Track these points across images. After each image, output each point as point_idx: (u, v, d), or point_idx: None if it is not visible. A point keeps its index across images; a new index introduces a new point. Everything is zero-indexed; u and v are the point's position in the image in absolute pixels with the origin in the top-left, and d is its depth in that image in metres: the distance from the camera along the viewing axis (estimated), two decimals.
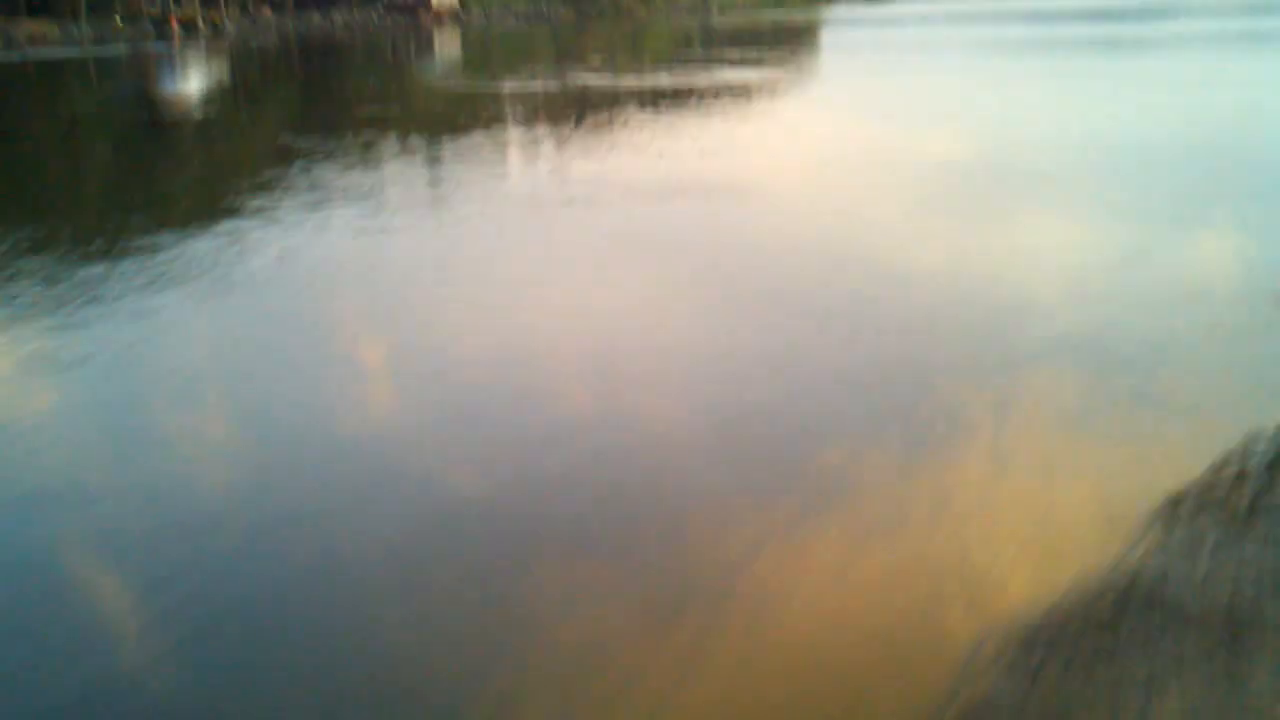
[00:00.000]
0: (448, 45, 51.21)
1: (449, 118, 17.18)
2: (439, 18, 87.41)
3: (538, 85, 22.21)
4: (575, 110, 17.39)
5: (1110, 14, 69.72)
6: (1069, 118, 14.99)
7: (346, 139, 13.97)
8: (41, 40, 59.78)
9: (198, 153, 14.85)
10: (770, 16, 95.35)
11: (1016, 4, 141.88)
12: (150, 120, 19.25)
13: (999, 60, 30.24)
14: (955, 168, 10.71)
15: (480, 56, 40.73)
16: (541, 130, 14.46)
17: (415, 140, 13.67)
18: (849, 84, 22.98)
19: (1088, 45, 35.60)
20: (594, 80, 23.51)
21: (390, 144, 13.37)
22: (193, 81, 29.42)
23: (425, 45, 51.06)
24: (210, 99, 23.07)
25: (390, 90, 22.96)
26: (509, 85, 22.69)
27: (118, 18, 67.33)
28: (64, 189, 11.51)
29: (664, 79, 23.08)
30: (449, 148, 12.97)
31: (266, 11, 76.79)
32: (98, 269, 7.22)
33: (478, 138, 13.98)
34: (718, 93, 19.43)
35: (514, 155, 12.15)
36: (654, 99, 18.87)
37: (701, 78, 23.29)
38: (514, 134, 14.11)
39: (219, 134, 16.71)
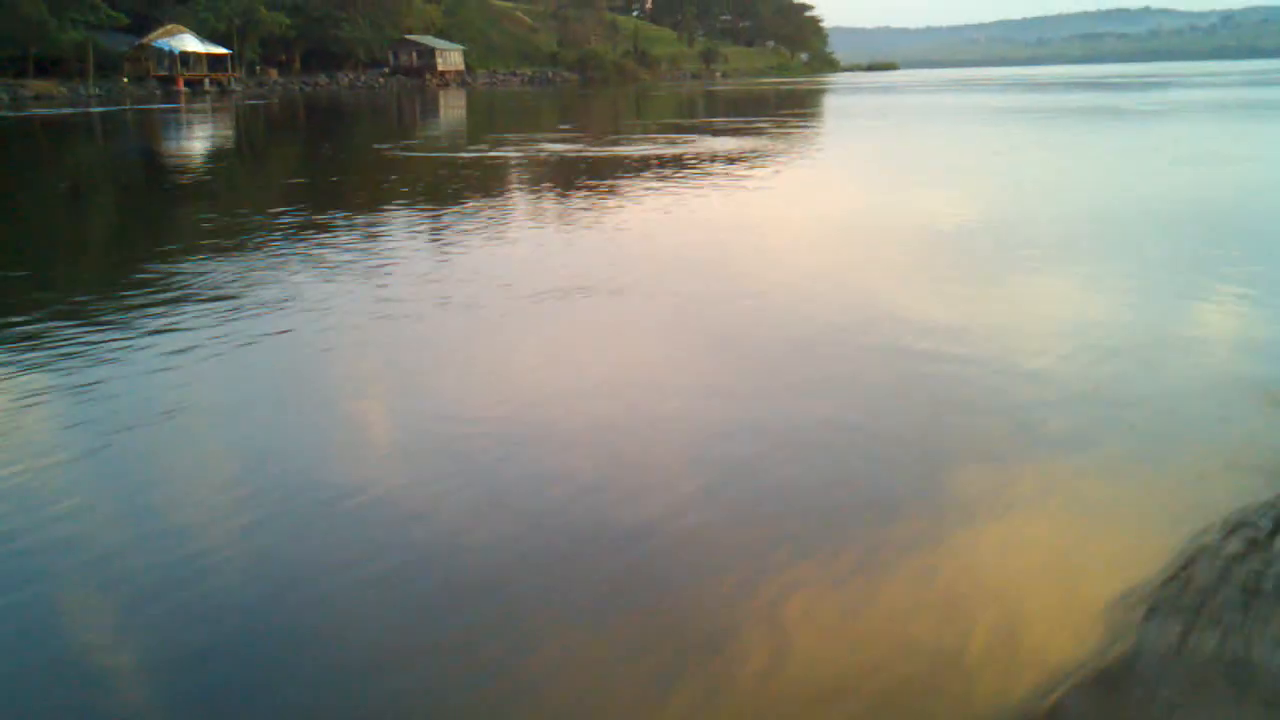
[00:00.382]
0: (445, 108, 49.88)
1: (390, 189, 15.33)
2: (444, 80, 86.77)
3: (504, 153, 20.39)
4: (528, 183, 15.49)
5: (1107, 83, 68.64)
6: (1082, 196, 13.09)
7: (278, 214, 12.23)
8: (48, 99, 58.83)
9: (114, 226, 13.03)
10: (772, 82, 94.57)
11: (1014, 71, 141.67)
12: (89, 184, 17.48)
13: (996, 127, 28.56)
14: (942, 260, 8.77)
15: (470, 121, 39.23)
16: (475, 209, 12.51)
17: (342, 219, 11.78)
18: (843, 155, 21.14)
19: (1090, 113, 33.96)
20: (570, 148, 21.73)
21: (311, 222, 11.52)
22: (178, 143, 27.86)
23: (425, 108, 49.73)
24: (186, 163, 21.44)
25: (355, 158, 21.16)
26: (478, 153, 20.88)
27: (126, 78, 66.60)
28: None
29: (644, 147, 21.30)
30: (367, 229, 11.06)
31: (273, 73, 76.06)
32: None
33: (397, 215, 12.10)
34: (693, 163, 17.60)
35: (419, 242, 10.19)
36: (623, 169, 17.06)
37: (684, 145, 21.54)
38: (443, 213, 12.16)
39: (163, 203, 14.97)
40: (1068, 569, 3.46)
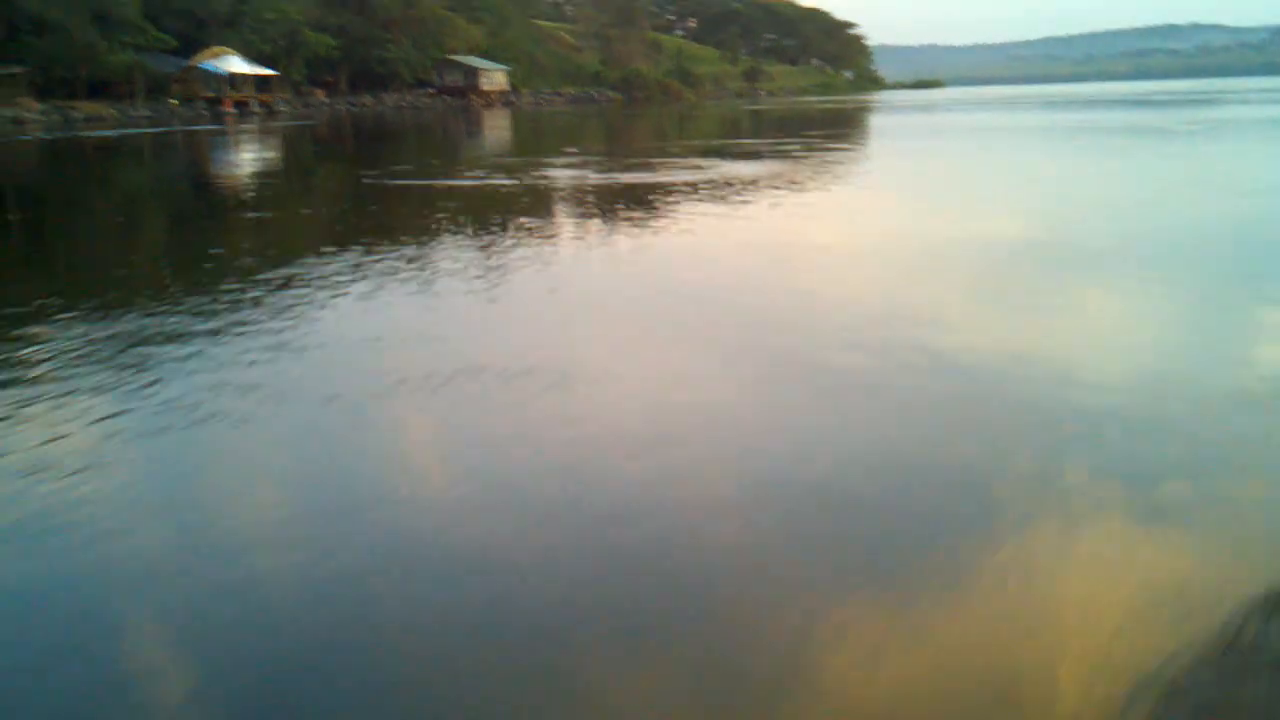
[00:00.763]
0: (477, 129, 48.56)
1: (341, 226, 13.75)
2: (489, 100, 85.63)
3: (498, 181, 18.68)
4: (494, 220, 13.65)
5: (1154, 101, 65.67)
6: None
7: (205, 256, 10.72)
8: (98, 120, 58.50)
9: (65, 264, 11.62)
10: (815, 101, 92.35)
11: (1064, 89, 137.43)
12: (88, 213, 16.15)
13: (1033, 151, 26.46)
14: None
15: (490, 142, 37.75)
16: (408, 255, 10.70)
17: (263, 265, 10.21)
18: (872, 183, 19.25)
19: (1135, 133, 31.68)
20: (576, 175, 20.03)
21: (234, 267, 9.98)
22: (194, 167, 26.74)
23: (459, 129, 48.46)
24: (175, 192, 20.19)
25: (340, 188, 19.59)
26: (470, 181, 19.15)
27: (174, 100, 66.22)
28: None
29: (657, 174, 19.58)
30: (278, 279, 9.46)
31: (319, 94, 75.43)
32: None
33: (324, 260, 10.46)
34: (697, 193, 15.83)
35: (315, 299, 8.46)
36: (618, 201, 15.37)
37: (702, 172, 19.78)
38: (373, 260, 10.42)
39: (105, 239, 13.62)
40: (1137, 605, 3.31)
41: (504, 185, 17.85)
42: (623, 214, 13.67)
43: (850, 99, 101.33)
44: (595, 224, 12.83)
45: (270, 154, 30.97)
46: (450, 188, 17.96)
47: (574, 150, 29.25)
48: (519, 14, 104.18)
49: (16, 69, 58.66)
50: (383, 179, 19.58)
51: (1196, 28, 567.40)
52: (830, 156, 24.25)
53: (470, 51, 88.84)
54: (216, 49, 66.79)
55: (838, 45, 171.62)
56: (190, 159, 29.77)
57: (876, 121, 48.44)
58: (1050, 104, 65.79)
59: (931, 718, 2.79)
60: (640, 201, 14.96)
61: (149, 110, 63.02)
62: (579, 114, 67.70)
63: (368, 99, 78.21)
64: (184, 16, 66.86)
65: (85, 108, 60.88)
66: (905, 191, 17.13)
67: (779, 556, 3.64)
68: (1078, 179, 18.12)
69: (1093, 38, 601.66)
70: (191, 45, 66.74)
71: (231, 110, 65.93)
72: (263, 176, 23.20)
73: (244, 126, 51.07)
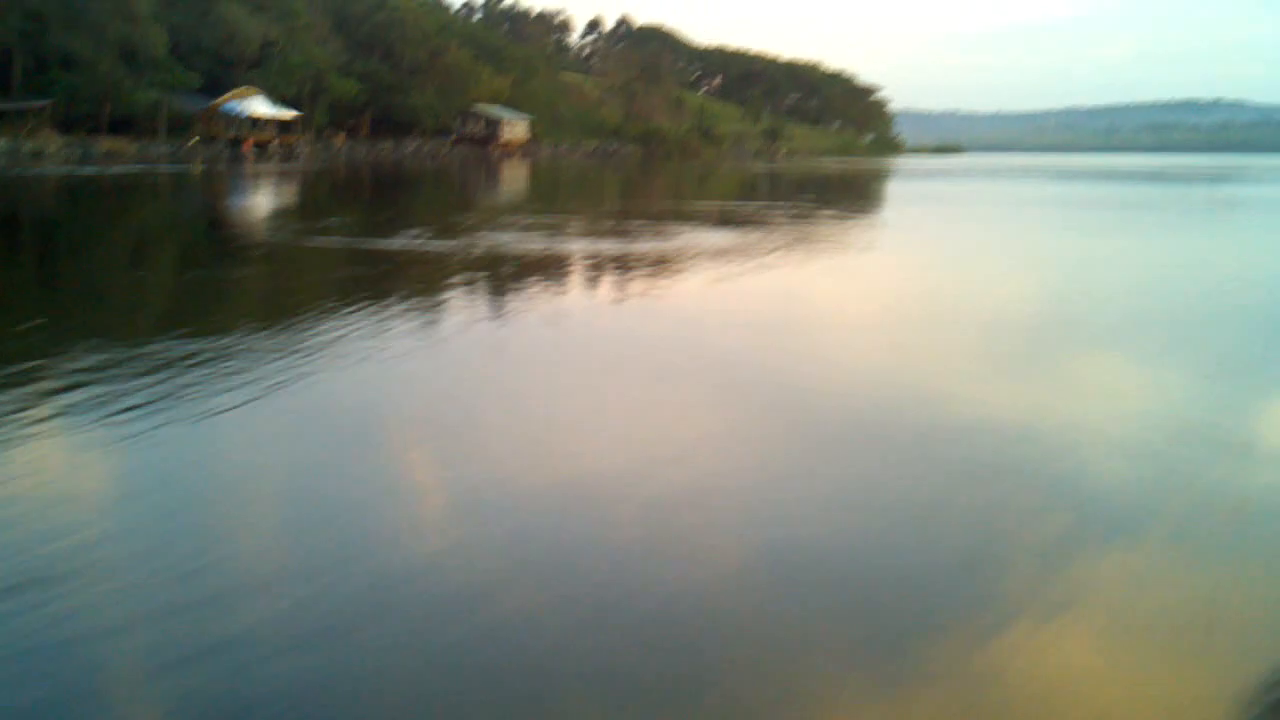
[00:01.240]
0: (493, 182, 47.75)
1: (217, 299, 12.53)
2: (508, 151, 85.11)
3: (428, 247, 17.04)
4: (372, 296, 12.18)
5: (1170, 175, 64.30)
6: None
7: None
8: (118, 157, 58.17)
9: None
10: (832, 164, 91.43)
11: (1083, 160, 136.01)
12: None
13: (1038, 225, 25.13)
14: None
15: (469, 197, 36.81)
16: (238, 345, 9.31)
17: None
18: (857, 261, 17.96)
19: (1152, 208, 30.34)
20: (525, 238, 18.79)
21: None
22: (164, 215, 25.85)
23: (475, 182, 47.67)
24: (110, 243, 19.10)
25: (256, 251, 18.34)
26: (398, 244, 17.24)
27: (196, 138, 65.96)
28: None
29: (622, 242, 18.39)
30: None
31: (340, 138, 75.07)
32: None
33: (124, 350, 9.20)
34: (651, 269, 14.60)
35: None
36: (540, 275, 14.13)
37: (669, 239, 18.61)
38: (188, 350, 9.05)
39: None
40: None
41: (432, 251, 16.11)
42: (550, 293, 12.40)
43: (869, 163, 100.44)
44: (512, 306, 11.54)
45: (262, 201, 30.06)
46: (366, 253, 15.99)
47: (561, 209, 28.15)
48: (545, 65, 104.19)
49: (42, 102, 58.58)
50: (311, 238, 18.19)
51: (1219, 104, 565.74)
52: (816, 229, 22.96)
53: (493, 101, 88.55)
54: (242, 90, 66.60)
55: (860, 109, 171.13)
56: (169, 206, 28.88)
57: (888, 189, 47.31)
58: (1067, 175, 64.55)
59: None
60: (582, 275, 13.70)
61: (169, 148, 62.67)
62: (593, 169, 67.00)
63: (388, 145, 77.84)
64: (211, 56, 66.78)
65: (106, 144, 60.56)
66: (870, 280, 15.80)
67: None
68: (1078, 261, 16.85)
69: (1115, 110, 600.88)
70: (218, 85, 66.62)
71: (250, 152, 65.61)
72: (225, 229, 22.17)
73: (259, 168, 50.53)
